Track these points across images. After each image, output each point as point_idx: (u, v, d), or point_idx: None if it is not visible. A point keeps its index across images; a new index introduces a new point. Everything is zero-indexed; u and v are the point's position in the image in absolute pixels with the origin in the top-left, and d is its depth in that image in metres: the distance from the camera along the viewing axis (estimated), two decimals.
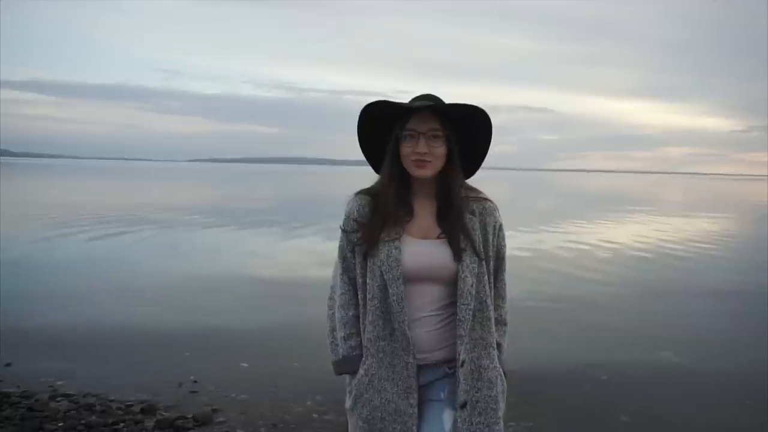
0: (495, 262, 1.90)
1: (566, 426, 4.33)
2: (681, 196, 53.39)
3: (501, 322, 1.94)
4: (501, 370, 1.87)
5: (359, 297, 1.86)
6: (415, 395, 1.79)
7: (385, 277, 1.77)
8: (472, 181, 1.94)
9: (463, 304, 1.77)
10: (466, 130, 1.85)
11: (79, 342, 6.16)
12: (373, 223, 1.81)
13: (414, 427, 1.78)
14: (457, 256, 1.78)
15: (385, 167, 1.86)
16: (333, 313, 1.94)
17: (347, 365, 1.88)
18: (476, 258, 1.80)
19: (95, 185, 46.50)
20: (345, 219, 1.88)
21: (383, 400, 1.79)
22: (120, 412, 4.41)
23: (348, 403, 1.87)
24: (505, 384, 1.89)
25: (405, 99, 1.87)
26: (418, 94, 1.87)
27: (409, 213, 1.84)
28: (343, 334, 1.89)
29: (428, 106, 1.78)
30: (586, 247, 14.15)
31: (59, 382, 5.01)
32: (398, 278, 1.76)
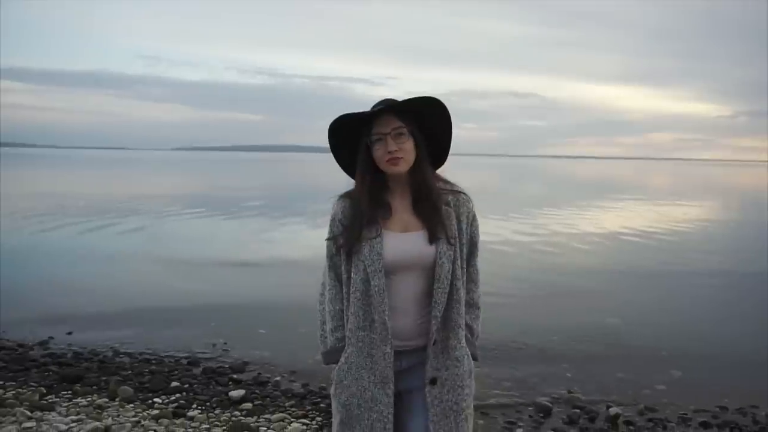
0: (468, 248, 2.01)
1: (519, 369, 5.60)
2: (667, 183, 54.87)
3: (474, 305, 2.06)
4: (467, 350, 1.99)
5: (344, 291, 1.98)
6: (392, 385, 1.90)
7: (368, 270, 1.88)
8: (448, 170, 2.09)
9: (439, 288, 1.90)
10: (428, 122, 1.97)
11: (122, 314, 7.35)
12: (354, 224, 1.92)
13: (389, 416, 1.89)
14: (433, 242, 1.91)
15: (358, 172, 1.97)
16: (323, 308, 2.06)
17: (334, 355, 1.99)
18: (450, 245, 1.92)
19: (87, 176, 47.24)
20: (331, 221, 1.99)
21: (360, 388, 1.91)
22: (172, 363, 5.66)
23: (332, 389, 2.00)
24: (472, 364, 2.00)
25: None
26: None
27: (388, 211, 1.95)
28: (331, 327, 2.01)
29: (386, 107, 1.91)
30: (566, 233, 15.45)
31: (115, 345, 6.22)
32: (380, 270, 1.88)
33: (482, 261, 2.10)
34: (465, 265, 1.99)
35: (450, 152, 2.04)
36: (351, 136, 1.95)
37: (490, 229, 14.66)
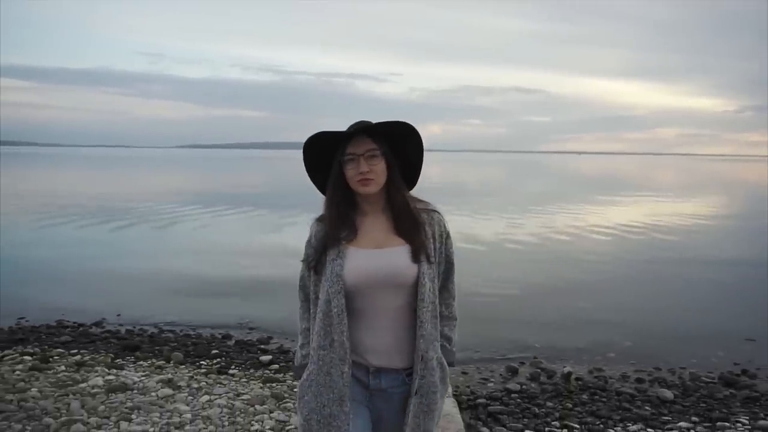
0: (445, 266, 2.08)
1: (495, 340, 6.74)
2: (671, 179, 55.77)
3: (452, 318, 2.13)
4: (443, 359, 2.04)
5: (312, 311, 2.04)
6: (348, 403, 1.94)
7: (329, 291, 1.92)
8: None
9: (424, 307, 1.93)
10: (401, 145, 2.01)
11: (159, 300, 8.54)
12: (319, 245, 1.98)
13: (347, 431, 1.93)
14: (416, 261, 1.93)
15: (328, 190, 2.01)
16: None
17: (300, 371, 2.06)
18: (430, 263, 1.96)
19: (97, 176, 48.49)
20: (306, 243, 2.05)
21: (319, 404, 1.94)
22: (209, 337, 6.85)
23: (296, 403, 2.07)
24: (446, 370, 2.05)
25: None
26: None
27: (353, 231, 1.97)
28: (299, 344, 2.10)
29: (361, 129, 1.94)
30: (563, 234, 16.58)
31: (159, 324, 7.39)
32: (339, 292, 1.90)
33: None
34: (441, 282, 2.07)
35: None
36: (325, 154, 2.00)
37: (485, 226, 15.81)
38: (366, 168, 1.92)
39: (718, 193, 34.43)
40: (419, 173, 2.09)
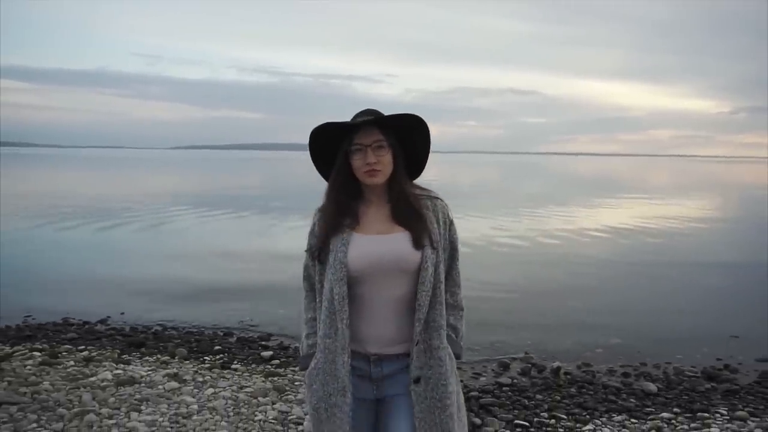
0: (449, 253, 2.06)
1: (488, 337, 6.97)
2: (665, 181, 56.08)
3: (458, 308, 2.10)
4: (450, 349, 2.00)
5: (317, 300, 2.05)
6: (349, 394, 1.94)
7: (332, 278, 1.92)
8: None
9: (423, 291, 1.91)
10: (408, 136, 2.00)
11: (162, 299, 8.75)
12: (323, 234, 1.99)
13: (347, 425, 1.94)
14: (419, 247, 1.92)
15: (331, 178, 2.02)
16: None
17: (307, 361, 2.06)
18: (434, 249, 1.94)
19: (98, 177, 48.63)
20: (309, 232, 2.06)
21: (326, 393, 1.96)
22: (211, 334, 7.07)
23: (305, 392, 2.10)
24: (454, 362, 2.02)
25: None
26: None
27: (355, 219, 1.98)
28: (304, 334, 2.10)
29: (370, 120, 1.93)
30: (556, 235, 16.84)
31: (161, 322, 7.60)
32: (342, 279, 1.90)
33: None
34: (445, 269, 2.04)
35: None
36: (331, 143, 2.00)
37: (479, 228, 16.07)
38: (373, 159, 1.93)
39: (710, 196, 34.76)
40: (424, 165, 2.11)
